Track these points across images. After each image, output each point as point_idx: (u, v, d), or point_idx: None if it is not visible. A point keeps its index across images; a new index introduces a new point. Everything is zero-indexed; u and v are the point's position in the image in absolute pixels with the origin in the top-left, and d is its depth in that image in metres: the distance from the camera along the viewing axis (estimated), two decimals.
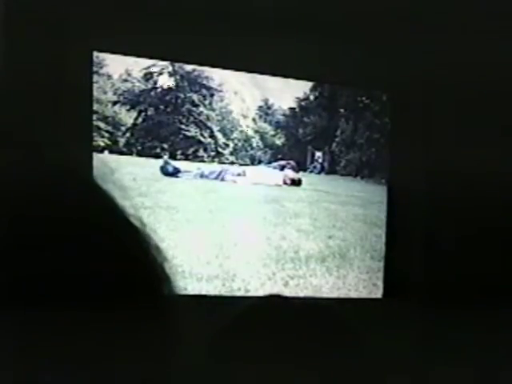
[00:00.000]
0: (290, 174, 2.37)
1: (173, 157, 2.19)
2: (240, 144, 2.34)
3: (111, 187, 0.38)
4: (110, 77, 2.06)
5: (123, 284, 0.36)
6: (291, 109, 2.40)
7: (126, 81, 2.12)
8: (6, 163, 0.34)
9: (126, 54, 2.01)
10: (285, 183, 2.36)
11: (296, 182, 2.38)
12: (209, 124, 2.29)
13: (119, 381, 0.34)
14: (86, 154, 1.80)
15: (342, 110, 2.45)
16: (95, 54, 1.94)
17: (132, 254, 0.37)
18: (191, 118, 2.25)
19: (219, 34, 1.93)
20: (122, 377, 0.34)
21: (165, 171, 2.16)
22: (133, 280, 0.36)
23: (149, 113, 2.19)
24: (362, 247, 2.29)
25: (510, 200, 2.04)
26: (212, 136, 2.30)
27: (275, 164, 2.37)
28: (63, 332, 0.32)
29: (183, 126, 2.24)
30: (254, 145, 2.38)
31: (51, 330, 0.32)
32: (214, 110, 2.29)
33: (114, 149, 2.09)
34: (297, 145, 2.42)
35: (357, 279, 2.25)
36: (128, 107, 2.15)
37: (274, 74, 2.21)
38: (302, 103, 2.39)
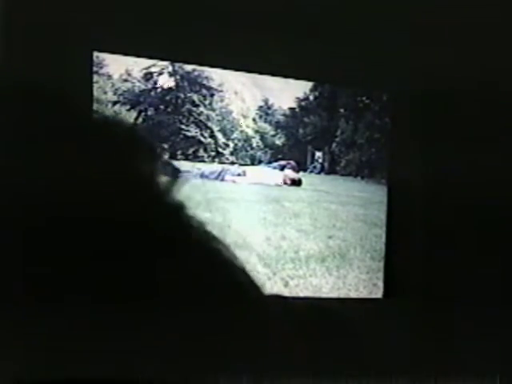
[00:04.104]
0: (290, 174, 2.37)
1: (173, 157, 2.19)
2: (240, 144, 2.34)
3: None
4: (110, 77, 2.06)
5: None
6: (291, 109, 2.40)
7: (126, 81, 2.12)
8: (6, 164, 0.34)
9: (126, 54, 2.01)
10: (285, 183, 2.36)
11: (296, 182, 2.38)
12: (209, 124, 2.29)
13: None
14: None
15: (342, 110, 2.45)
16: (95, 54, 1.94)
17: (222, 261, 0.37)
18: (191, 118, 2.25)
19: (219, 34, 1.93)
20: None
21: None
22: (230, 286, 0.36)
23: (149, 113, 2.19)
24: (362, 247, 2.29)
25: (510, 200, 2.04)
26: (212, 136, 2.30)
27: (275, 164, 2.37)
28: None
29: (183, 126, 2.24)
30: (254, 145, 2.38)
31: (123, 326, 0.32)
32: (214, 110, 2.29)
33: None
34: (297, 145, 2.42)
35: (357, 279, 2.25)
36: (128, 107, 2.15)
37: (273, 74, 2.21)
38: (302, 103, 2.39)
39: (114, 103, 2.13)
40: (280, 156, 2.39)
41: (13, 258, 0.32)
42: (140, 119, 2.17)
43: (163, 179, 0.40)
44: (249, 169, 2.31)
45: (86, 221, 0.33)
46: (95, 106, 1.99)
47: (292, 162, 2.38)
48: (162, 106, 2.20)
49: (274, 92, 2.33)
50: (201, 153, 2.28)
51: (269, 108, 2.38)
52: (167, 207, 0.37)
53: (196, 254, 0.37)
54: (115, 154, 0.41)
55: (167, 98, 2.21)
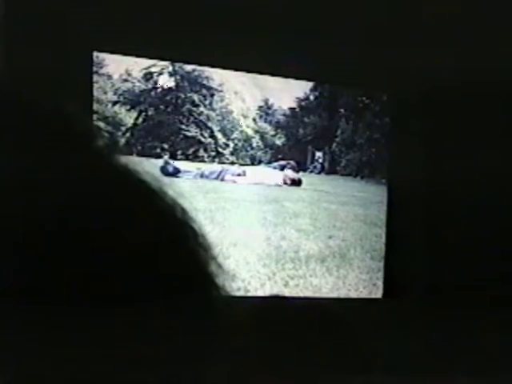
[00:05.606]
0: (290, 174, 2.37)
1: (173, 157, 2.19)
2: (240, 144, 2.34)
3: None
4: (110, 77, 2.06)
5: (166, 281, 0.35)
6: (291, 109, 2.40)
7: (126, 81, 2.12)
8: (6, 165, 0.34)
9: (125, 54, 2.01)
10: (285, 183, 2.36)
11: (296, 182, 2.38)
12: (209, 124, 2.29)
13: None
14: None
15: (342, 110, 2.45)
16: (95, 54, 1.94)
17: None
18: (191, 118, 2.25)
19: (219, 34, 1.93)
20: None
21: (165, 171, 2.16)
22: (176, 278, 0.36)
23: (149, 113, 2.19)
24: (361, 247, 2.29)
25: (511, 200, 2.04)
26: (212, 136, 2.30)
27: (275, 164, 2.37)
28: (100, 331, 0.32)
29: (183, 126, 2.24)
30: (254, 145, 2.38)
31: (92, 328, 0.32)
32: (214, 109, 2.29)
33: None
34: (297, 145, 2.42)
35: (357, 279, 2.25)
36: (128, 107, 2.15)
37: (273, 74, 2.21)
38: (302, 103, 2.39)
39: (114, 103, 2.13)
40: (280, 156, 2.39)
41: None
42: (140, 119, 2.17)
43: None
44: (249, 169, 2.31)
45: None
46: (95, 106, 1.99)
47: (292, 162, 2.38)
48: (162, 106, 2.20)
49: (274, 92, 2.33)
50: (201, 153, 2.28)
51: (269, 108, 2.38)
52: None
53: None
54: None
55: (167, 97, 2.21)
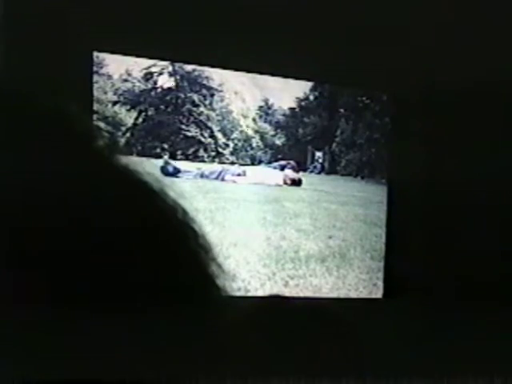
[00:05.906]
0: (290, 174, 2.37)
1: (173, 157, 2.19)
2: (240, 144, 2.34)
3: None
4: (110, 77, 2.06)
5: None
6: (291, 109, 2.40)
7: (126, 81, 2.12)
8: (6, 165, 0.34)
9: (125, 54, 2.01)
10: (285, 183, 2.36)
11: (296, 182, 2.38)
12: (209, 124, 2.29)
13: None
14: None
15: (342, 110, 2.45)
16: (95, 54, 1.94)
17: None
18: (191, 118, 2.25)
19: (219, 34, 1.93)
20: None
21: (165, 171, 2.16)
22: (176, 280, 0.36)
23: (149, 113, 2.19)
24: (362, 247, 2.29)
25: (510, 200, 2.04)
26: (212, 136, 2.30)
27: (275, 164, 2.37)
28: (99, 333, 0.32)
29: (183, 126, 2.24)
30: (254, 145, 2.38)
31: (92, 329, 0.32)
32: (214, 109, 2.29)
33: None
34: (297, 145, 2.42)
35: (357, 279, 2.25)
36: (128, 107, 2.15)
37: (273, 74, 2.21)
38: (302, 103, 2.39)
39: (114, 103, 2.13)
40: (280, 156, 2.39)
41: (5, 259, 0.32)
42: (140, 119, 2.17)
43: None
44: (249, 169, 2.31)
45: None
46: (95, 106, 1.99)
47: (292, 162, 2.38)
48: (162, 106, 2.20)
49: (274, 92, 2.33)
50: (201, 153, 2.28)
51: (269, 108, 2.38)
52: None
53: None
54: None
55: (167, 97, 2.21)
